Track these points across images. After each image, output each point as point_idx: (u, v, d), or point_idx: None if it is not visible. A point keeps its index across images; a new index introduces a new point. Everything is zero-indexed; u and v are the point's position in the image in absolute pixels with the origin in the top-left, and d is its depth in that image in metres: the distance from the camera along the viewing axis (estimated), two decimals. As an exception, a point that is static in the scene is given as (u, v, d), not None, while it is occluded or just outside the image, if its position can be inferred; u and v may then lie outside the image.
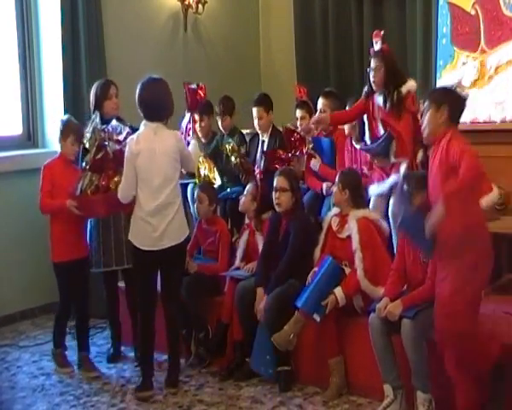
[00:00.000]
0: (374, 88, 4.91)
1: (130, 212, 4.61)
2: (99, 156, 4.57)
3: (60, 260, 4.86)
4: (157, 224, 4.42)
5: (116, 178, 4.57)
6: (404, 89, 4.82)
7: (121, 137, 4.65)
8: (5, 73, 6.17)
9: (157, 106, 4.45)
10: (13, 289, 5.94)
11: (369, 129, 4.99)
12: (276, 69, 7.75)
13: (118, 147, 4.58)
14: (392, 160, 4.79)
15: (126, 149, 4.47)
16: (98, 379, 4.87)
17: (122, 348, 5.28)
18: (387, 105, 4.83)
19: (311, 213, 5.02)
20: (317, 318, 4.39)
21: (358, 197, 4.62)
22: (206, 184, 5.32)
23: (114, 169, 4.57)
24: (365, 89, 4.98)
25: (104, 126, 4.67)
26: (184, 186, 5.65)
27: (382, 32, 5.06)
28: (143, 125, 4.47)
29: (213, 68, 7.25)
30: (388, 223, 4.68)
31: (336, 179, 4.63)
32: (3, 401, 4.61)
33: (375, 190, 4.88)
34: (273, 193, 4.79)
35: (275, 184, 4.79)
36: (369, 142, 4.98)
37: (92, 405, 4.52)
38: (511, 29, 5.56)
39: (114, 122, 4.88)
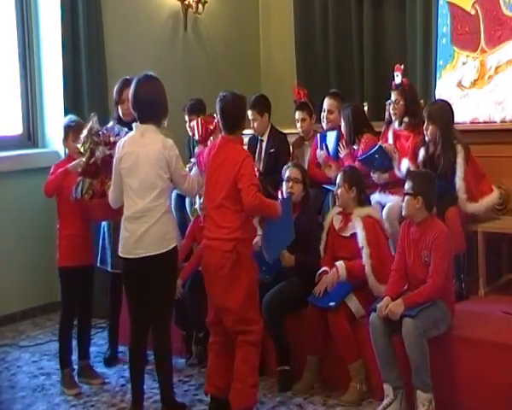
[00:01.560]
0: (393, 119, 5.19)
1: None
2: (92, 161, 4.46)
3: (66, 266, 4.70)
4: (133, 230, 4.07)
5: (109, 184, 4.40)
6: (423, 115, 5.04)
7: (118, 139, 4.43)
8: (5, 72, 6.16)
9: (151, 105, 4.11)
10: (13, 289, 5.94)
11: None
12: (276, 69, 7.74)
13: (108, 152, 4.42)
14: (398, 173, 4.97)
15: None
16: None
17: (122, 349, 5.27)
18: (402, 126, 5.14)
19: (315, 209, 5.06)
20: (332, 304, 4.38)
21: (363, 195, 4.63)
22: None
23: (106, 174, 4.42)
24: (386, 117, 5.32)
25: (99, 129, 4.54)
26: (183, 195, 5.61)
27: (402, 66, 5.30)
28: (134, 127, 4.23)
29: (213, 68, 7.25)
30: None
31: (340, 179, 4.61)
32: (3, 401, 4.61)
33: (376, 197, 5.00)
34: (284, 183, 4.77)
35: (288, 174, 4.77)
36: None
37: (92, 405, 4.52)
38: (511, 29, 5.56)
39: (111, 123, 4.76)
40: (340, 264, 4.47)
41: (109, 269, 5.05)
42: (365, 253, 4.43)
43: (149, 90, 4.12)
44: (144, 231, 4.05)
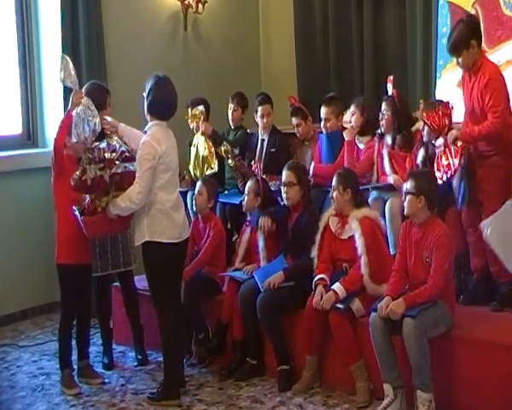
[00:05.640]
0: (383, 130, 5.17)
1: (119, 231, 4.63)
2: (84, 178, 4.33)
3: (65, 263, 4.64)
4: (177, 217, 4.45)
5: (99, 203, 4.36)
6: (413, 128, 5.08)
7: (114, 156, 4.37)
8: (5, 72, 6.16)
9: (171, 104, 4.41)
10: (13, 288, 5.94)
11: (376, 165, 5.23)
12: (276, 69, 7.74)
13: (99, 173, 4.30)
14: None
15: (147, 150, 4.27)
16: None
17: (122, 349, 5.31)
18: (395, 145, 5.09)
19: (316, 208, 5.07)
20: (340, 306, 4.36)
21: (359, 196, 4.62)
22: (208, 179, 5.33)
23: (96, 195, 4.35)
24: (378, 130, 5.25)
25: (97, 144, 4.40)
26: (184, 194, 5.65)
27: (392, 77, 5.27)
28: (156, 125, 4.36)
29: (213, 68, 7.24)
30: (384, 222, 4.75)
31: (335, 181, 4.60)
32: (3, 401, 4.60)
33: (374, 193, 5.05)
34: (281, 188, 4.82)
35: (283, 179, 4.83)
36: (374, 178, 5.24)
37: (92, 405, 4.52)
38: (511, 28, 5.56)
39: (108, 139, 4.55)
40: (338, 288, 4.38)
41: (99, 273, 4.77)
42: (363, 261, 4.40)
43: (168, 90, 4.40)
44: (183, 216, 4.52)
